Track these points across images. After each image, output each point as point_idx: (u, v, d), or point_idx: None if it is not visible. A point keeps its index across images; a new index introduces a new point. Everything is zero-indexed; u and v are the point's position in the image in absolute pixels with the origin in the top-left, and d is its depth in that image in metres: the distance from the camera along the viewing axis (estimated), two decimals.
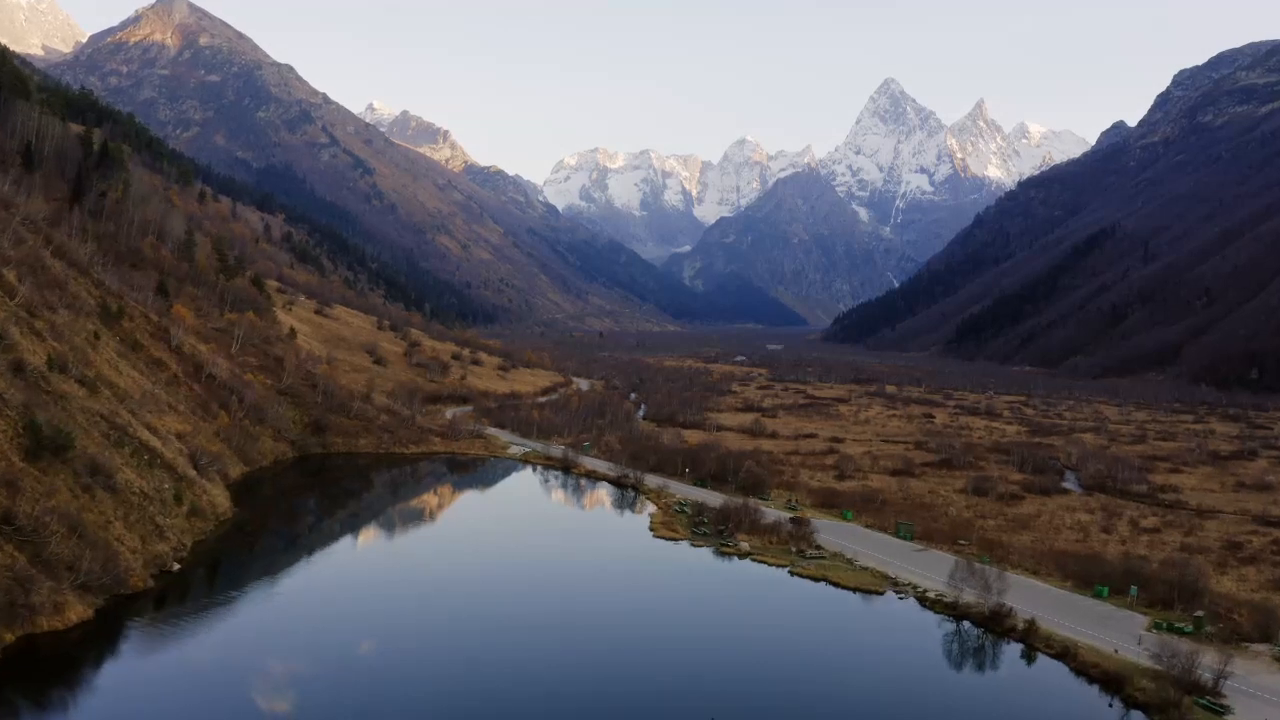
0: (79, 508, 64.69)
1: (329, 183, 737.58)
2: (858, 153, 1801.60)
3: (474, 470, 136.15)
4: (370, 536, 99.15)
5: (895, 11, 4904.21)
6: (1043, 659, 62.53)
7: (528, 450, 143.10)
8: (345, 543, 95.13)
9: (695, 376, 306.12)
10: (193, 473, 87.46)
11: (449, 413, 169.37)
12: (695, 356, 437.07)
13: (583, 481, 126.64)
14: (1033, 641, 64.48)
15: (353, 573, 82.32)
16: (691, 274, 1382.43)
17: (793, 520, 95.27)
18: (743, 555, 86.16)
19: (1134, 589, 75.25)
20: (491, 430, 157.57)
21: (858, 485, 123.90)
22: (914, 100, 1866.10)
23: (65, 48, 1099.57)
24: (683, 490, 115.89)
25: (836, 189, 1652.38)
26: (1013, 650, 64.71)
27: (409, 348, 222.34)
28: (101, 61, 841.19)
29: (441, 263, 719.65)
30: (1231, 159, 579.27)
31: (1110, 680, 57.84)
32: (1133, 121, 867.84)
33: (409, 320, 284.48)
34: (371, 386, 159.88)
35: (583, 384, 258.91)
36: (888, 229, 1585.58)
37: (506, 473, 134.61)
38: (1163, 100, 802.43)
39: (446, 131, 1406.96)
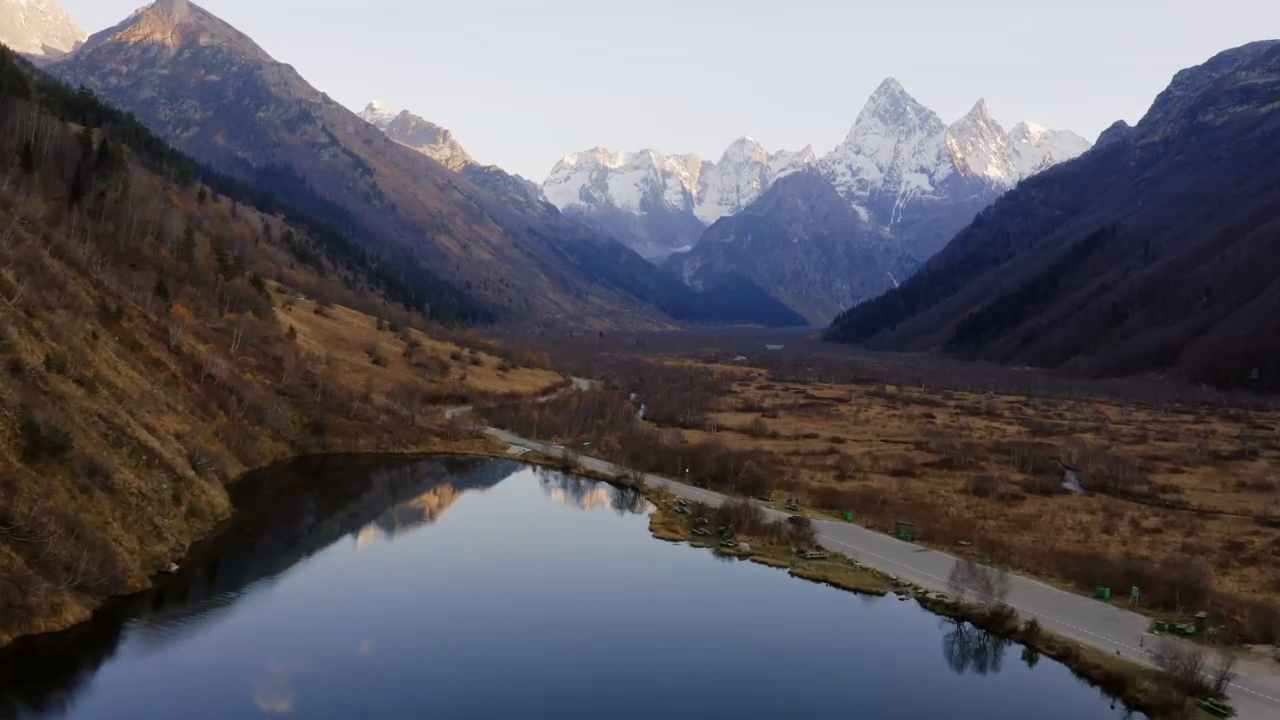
0: (77, 508, 64.46)
1: (329, 183, 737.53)
2: (858, 153, 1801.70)
3: (474, 470, 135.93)
4: (370, 536, 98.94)
5: (895, 11, 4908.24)
6: (1044, 660, 62.27)
7: (527, 450, 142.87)
8: (345, 543, 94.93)
9: (695, 376, 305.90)
10: (191, 473, 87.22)
11: (448, 413, 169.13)
12: (695, 356, 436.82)
13: (582, 482, 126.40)
14: (1034, 643, 64.20)
15: (352, 573, 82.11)
16: (691, 274, 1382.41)
17: (793, 521, 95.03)
18: (743, 556, 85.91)
19: (1136, 590, 75.01)
20: (491, 430, 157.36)
21: (858, 485, 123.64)
22: (914, 100, 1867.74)
23: (65, 48, 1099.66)
24: (683, 490, 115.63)
25: (836, 189, 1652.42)
26: (1014, 652, 64.46)
27: (408, 348, 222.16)
28: (101, 61, 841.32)
29: (441, 262, 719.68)
30: (1232, 159, 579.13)
31: (1112, 682, 57.57)
32: (1133, 121, 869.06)
33: (409, 320, 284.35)
34: (371, 386, 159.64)
35: (582, 384, 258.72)
36: (888, 229, 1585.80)
37: (506, 473, 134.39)
38: (1163, 100, 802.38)
39: (446, 131, 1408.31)
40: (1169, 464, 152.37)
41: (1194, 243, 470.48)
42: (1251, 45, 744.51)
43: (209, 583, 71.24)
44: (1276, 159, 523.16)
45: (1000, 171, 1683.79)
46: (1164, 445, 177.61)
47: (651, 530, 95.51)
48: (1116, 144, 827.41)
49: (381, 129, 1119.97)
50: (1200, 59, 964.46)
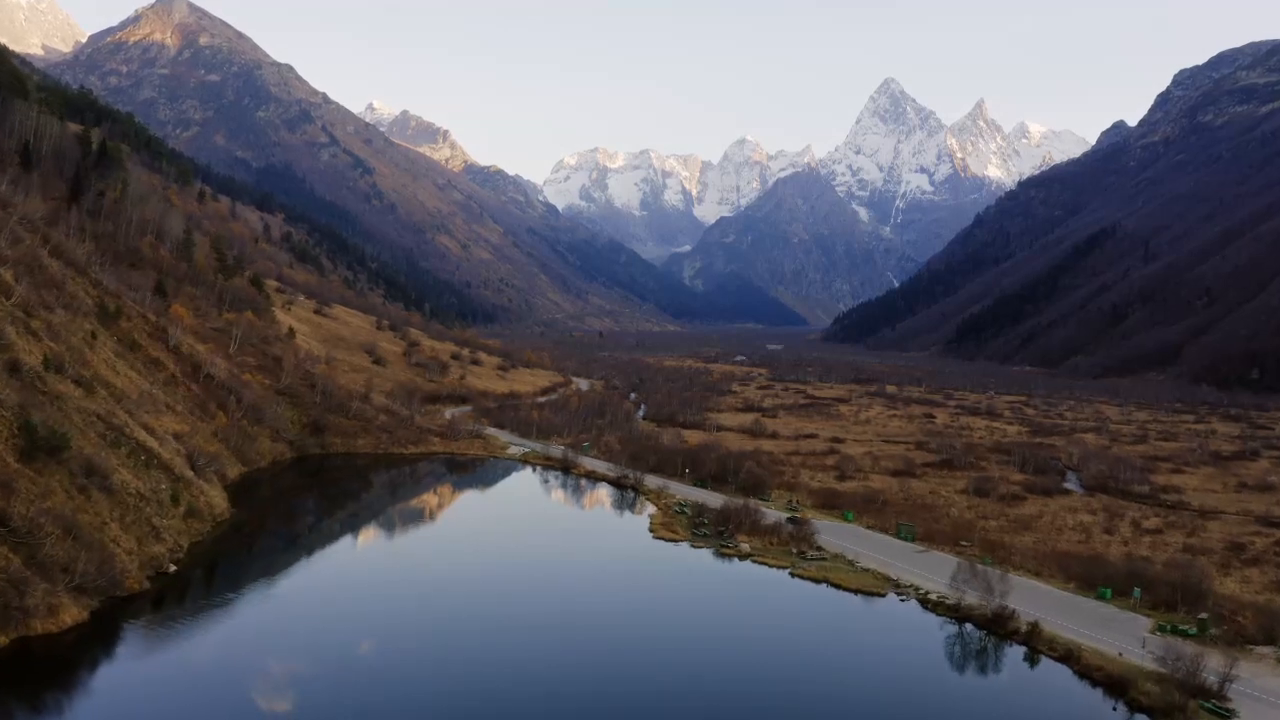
0: (74, 509, 64.21)
1: (328, 182, 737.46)
2: (858, 152, 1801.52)
3: (473, 470, 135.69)
4: (369, 537, 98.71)
5: (895, 11, 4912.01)
6: (1046, 662, 62.05)
7: (527, 450, 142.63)
8: (344, 543, 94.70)
9: (695, 376, 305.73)
10: (190, 473, 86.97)
11: (448, 413, 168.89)
12: (695, 356, 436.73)
13: (582, 482, 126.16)
14: (1036, 644, 63.96)
15: (352, 573, 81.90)
16: (691, 274, 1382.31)
17: (793, 521, 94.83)
18: (743, 556, 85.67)
19: (1137, 591, 74.79)
20: (491, 430, 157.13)
21: (858, 486, 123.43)
22: (914, 100, 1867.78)
23: (65, 47, 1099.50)
24: (683, 491, 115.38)
25: (836, 189, 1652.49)
26: (1016, 653, 64.23)
27: (408, 347, 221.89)
28: (101, 61, 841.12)
29: (441, 262, 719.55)
30: (1232, 159, 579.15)
31: (1114, 684, 57.36)
32: (1133, 121, 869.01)
33: (408, 320, 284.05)
34: (370, 386, 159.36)
35: (582, 384, 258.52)
36: (888, 229, 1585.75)
37: (506, 473, 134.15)
38: (1163, 100, 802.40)
39: (446, 131, 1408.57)
40: (1170, 464, 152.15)
41: (1194, 243, 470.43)
42: (1251, 45, 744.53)
43: (207, 583, 71.01)
44: (1276, 159, 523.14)
45: (1000, 171, 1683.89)
46: (1165, 445, 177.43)
47: (651, 531, 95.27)
48: (1116, 144, 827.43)
49: (381, 129, 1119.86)
50: (1200, 59, 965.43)
